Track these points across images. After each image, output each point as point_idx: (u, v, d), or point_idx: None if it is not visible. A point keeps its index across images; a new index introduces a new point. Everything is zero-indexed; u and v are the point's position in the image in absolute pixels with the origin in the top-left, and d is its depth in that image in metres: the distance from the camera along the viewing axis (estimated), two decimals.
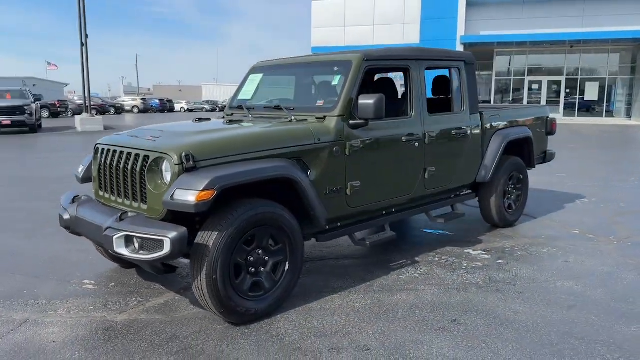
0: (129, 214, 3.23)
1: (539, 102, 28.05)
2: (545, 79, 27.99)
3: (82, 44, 20.98)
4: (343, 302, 3.58)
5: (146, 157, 3.22)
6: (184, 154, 3.04)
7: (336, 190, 3.75)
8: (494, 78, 28.83)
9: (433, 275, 4.11)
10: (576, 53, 27.27)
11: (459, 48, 26.35)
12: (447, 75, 5.06)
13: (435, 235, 5.34)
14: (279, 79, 4.81)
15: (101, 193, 3.69)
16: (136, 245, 3.01)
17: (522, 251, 4.73)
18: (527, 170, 5.83)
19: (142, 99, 51.22)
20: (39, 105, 22.88)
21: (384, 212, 4.26)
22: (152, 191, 3.16)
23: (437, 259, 4.51)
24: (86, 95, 22.55)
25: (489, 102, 28.59)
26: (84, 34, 20.96)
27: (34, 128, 20.37)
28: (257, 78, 4.75)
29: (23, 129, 20.11)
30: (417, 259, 4.53)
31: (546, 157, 6.30)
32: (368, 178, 3.95)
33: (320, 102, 4.01)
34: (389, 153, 4.11)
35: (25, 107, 19.78)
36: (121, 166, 3.41)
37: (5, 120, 19.36)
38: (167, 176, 3.11)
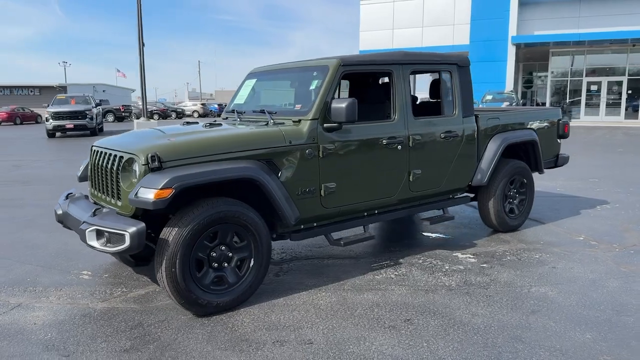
0: (104, 210, 3.52)
1: (598, 104, 26.71)
2: (604, 80, 26.55)
3: (140, 52, 22.25)
4: (308, 300, 3.71)
5: (121, 158, 3.51)
6: (150, 155, 3.29)
7: (309, 191, 3.88)
8: (549, 79, 27.69)
9: (409, 277, 4.15)
10: (639, 52, 25.73)
11: (511, 49, 25.57)
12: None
13: (430, 238, 5.34)
14: (270, 83, 5.00)
15: (93, 191, 4.02)
16: (105, 238, 3.29)
17: (512, 256, 4.66)
18: (541, 174, 5.74)
19: (202, 104, 53.17)
20: (100, 109, 24.39)
21: (366, 214, 4.34)
22: (125, 190, 3.43)
23: (420, 261, 4.53)
24: (143, 99, 23.97)
25: (544, 104, 27.51)
26: (141, 42, 22.27)
27: (95, 131, 21.70)
28: (251, 83, 4.97)
29: (85, 132, 21.51)
30: (401, 260, 4.57)
31: (558, 161, 6.11)
32: (344, 180, 4.05)
33: (298, 106, 4.17)
34: (367, 155, 4.18)
35: (87, 112, 21.17)
36: (104, 166, 3.72)
37: (69, 124, 20.83)
38: (137, 176, 3.37)
